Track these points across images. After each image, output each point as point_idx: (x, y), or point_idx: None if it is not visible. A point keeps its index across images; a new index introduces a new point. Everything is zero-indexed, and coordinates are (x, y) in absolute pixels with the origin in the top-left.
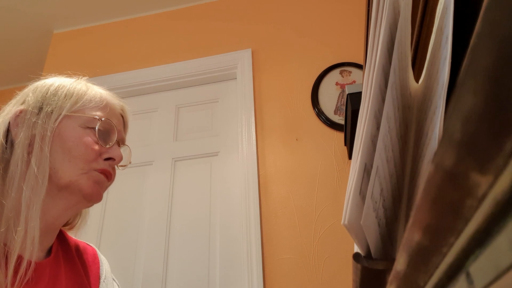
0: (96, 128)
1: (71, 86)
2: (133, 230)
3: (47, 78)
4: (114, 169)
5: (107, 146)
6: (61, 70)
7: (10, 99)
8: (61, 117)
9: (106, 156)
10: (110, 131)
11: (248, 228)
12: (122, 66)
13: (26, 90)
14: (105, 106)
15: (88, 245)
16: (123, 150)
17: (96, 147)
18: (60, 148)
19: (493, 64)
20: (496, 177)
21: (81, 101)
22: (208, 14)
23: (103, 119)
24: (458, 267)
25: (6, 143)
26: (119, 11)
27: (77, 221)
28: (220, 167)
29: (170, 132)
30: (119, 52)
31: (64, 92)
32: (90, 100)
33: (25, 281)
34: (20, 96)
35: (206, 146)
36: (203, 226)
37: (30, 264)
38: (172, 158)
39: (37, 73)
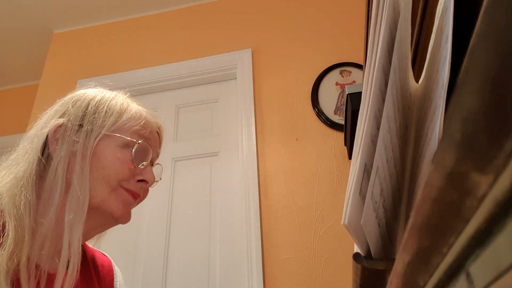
0: (133, 150)
1: (111, 103)
2: (133, 230)
3: (87, 88)
4: (146, 190)
5: (141, 166)
6: (61, 70)
7: (11, 99)
8: (100, 136)
9: (139, 177)
10: (146, 151)
11: (248, 228)
12: (122, 66)
13: (66, 100)
14: (143, 126)
15: (104, 255)
16: (155, 169)
17: (132, 167)
18: (96, 167)
19: (493, 64)
20: (496, 177)
21: (121, 120)
22: (208, 14)
23: (140, 141)
24: (458, 267)
25: (42, 157)
26: (119, 11)
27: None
28: (220, 167)
29: (170, 132)
30: (119, 52)
31: (105, 109)
32: (129, 119)
33: None
34: (59, 106)
35: (206, 146)
36: (203, 226)
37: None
38: (172, 158)
39: (37, 74)
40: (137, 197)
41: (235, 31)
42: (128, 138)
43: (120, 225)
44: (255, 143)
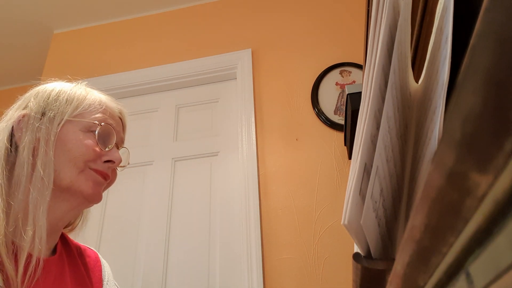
0: (96, 132)
1: (71, 91)
2: (133, 230)
3: (47, 83)
4: (114, 171)
5: (107, 149)
6: (61, 70)
7: (11, 100)
8: (63, 122)
9: (105, 158)
10: (109, 134)
11: (248, 228)
12: (122, 66)
13: (27, 95)
14: (104, 110)
15: (89, 248)
16: (122, 152)
17: (97, 149)
18: (62, 151)
19: (492, 64)
20: (496, 177)
21: (82, 106)
22: (208, 14)
23: (102, 123)
24: (458, 267)
25: (10, 146)
26: (119, 11)
27: (79, 221)
28: (220, 167)
29: (170, 132)
30: (119, 52)
31: (65, 97)
32: (90, 104)
33: (35, 278)
34: (21, 101)
35: (206, 146)
36: (203, 226)
37: (39, 261)
38: (172, 158)
39: (37, 74)
40: (107, 177)
41: (235, 31)
42: (90, 122)
43: (120, 226)
44: (255, 143)
